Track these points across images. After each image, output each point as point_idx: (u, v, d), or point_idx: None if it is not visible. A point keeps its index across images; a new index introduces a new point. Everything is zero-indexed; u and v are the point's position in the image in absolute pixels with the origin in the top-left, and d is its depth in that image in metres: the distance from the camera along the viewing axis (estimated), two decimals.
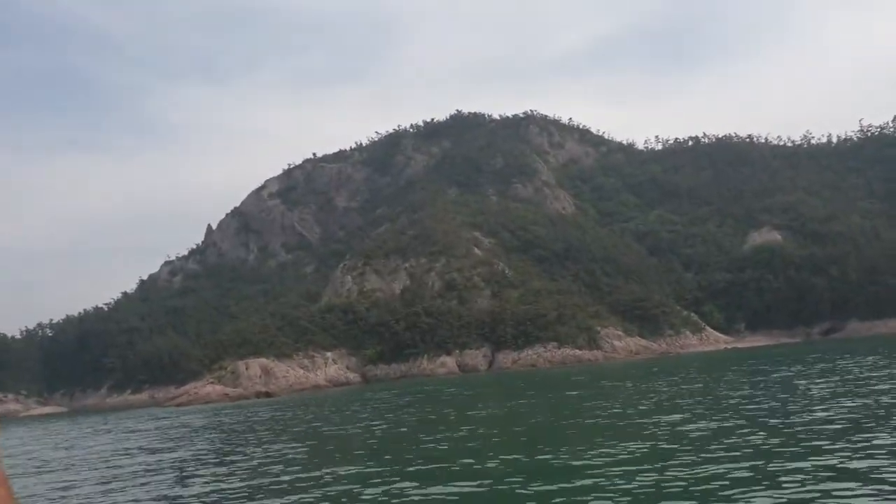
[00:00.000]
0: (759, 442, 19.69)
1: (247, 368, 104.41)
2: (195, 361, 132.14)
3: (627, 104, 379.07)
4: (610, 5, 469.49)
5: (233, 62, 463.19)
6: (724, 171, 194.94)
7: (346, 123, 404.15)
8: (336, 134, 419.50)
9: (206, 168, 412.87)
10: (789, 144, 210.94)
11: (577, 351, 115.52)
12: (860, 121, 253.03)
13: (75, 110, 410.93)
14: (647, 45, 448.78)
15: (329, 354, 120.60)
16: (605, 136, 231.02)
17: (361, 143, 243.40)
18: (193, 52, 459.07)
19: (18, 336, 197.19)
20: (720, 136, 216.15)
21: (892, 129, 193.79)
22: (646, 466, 17.34)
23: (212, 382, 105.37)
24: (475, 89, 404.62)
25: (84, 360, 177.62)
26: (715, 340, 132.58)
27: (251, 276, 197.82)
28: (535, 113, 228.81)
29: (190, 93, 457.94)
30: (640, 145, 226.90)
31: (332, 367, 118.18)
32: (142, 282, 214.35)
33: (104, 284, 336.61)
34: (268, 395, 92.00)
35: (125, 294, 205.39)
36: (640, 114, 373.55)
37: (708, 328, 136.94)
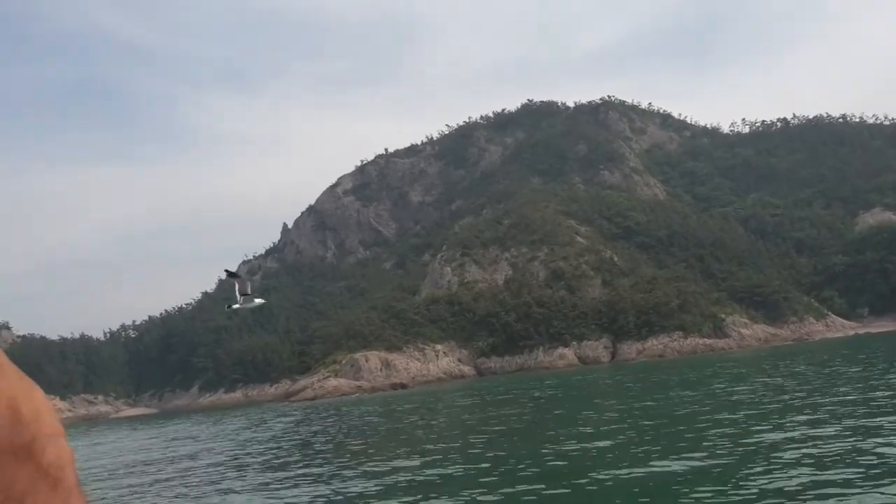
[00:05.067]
0: None
1: (367, 361, 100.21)
2: (297, 358, 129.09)
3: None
4: (631, 4, 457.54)
5: (260, 69, 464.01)
6: (819, 152, 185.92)
7: (371, 125, 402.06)
8: (364, 138, 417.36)
9: (238, 175, 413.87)
10: (887, 123, 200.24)
11: (706, 340, 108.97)
12: None
13: (105, 121, 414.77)
14: (671, 43, 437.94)
15: (439, 347, 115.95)
16: (688, 121, 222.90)
17: (433, 137, 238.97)
18: (221, 60, 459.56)
19: (103, 338, 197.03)
20: (811, 116, 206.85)
21: None
22: None
23: (328, 376, 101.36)
24: (501, 89, 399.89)
25: (170, 361, 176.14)
26: (841, 326, 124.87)
27: (332, 273, 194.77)
28: (612, 98, 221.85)
29: (218, 101, 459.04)
30: (724, 129, 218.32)
31: (444, 360, 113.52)
32: (220, 281, 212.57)
33: (122, 293, 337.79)
34: (403, 386, 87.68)
35: (206, 294, 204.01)
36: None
37: (831, 314, 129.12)
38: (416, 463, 22.53)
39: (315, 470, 24.14)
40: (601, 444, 22.27)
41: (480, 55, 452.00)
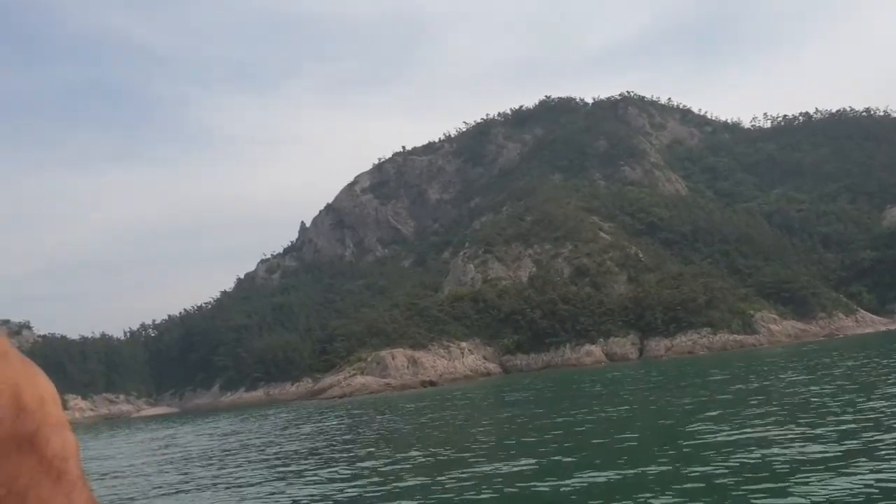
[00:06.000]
0: None
1: (393, 358, 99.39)
2: (320, 356, 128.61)
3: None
4: (632, 3, 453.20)
5: (271, 70, 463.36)
6: (844, 146, 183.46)
7: (376, 124, 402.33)
8: (366, 137, 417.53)
9: (247, 176, 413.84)
10: None
11: (735, 336, 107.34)
12: None
13: (118, 122, 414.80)
14: (677, 41, 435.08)
15: (464, 344, 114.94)
16: (709, 116, 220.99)
17: (450, 134, 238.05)
18: (231, 61, 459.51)
19: (122, 337, 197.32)
20: (834, 110, 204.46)
21: None
22: None
23: (354, 374, 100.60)
24: (510, 88, 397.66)
25: (191, 360, 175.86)
26: (871, 322, 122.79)
27: (350, 272, 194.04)
28: (631, 94, 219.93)
29: (229, 102, 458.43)
30: (745, 124, 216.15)
31: (469, 357, 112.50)
32: (239, 280, 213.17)
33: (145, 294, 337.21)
34: (433, 384, 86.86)
35: (225, 293, 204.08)
36: None
37: (860, 309, 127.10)
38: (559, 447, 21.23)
39: (429, 459, 23.02)
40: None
41: (484, 54, 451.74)
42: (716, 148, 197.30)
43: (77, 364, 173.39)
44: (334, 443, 31.41)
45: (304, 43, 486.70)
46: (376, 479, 19.69)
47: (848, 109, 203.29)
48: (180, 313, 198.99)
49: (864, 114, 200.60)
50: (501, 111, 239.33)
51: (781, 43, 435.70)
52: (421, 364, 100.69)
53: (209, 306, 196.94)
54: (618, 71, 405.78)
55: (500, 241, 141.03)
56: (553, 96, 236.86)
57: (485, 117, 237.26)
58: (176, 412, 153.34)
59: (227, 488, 21.35)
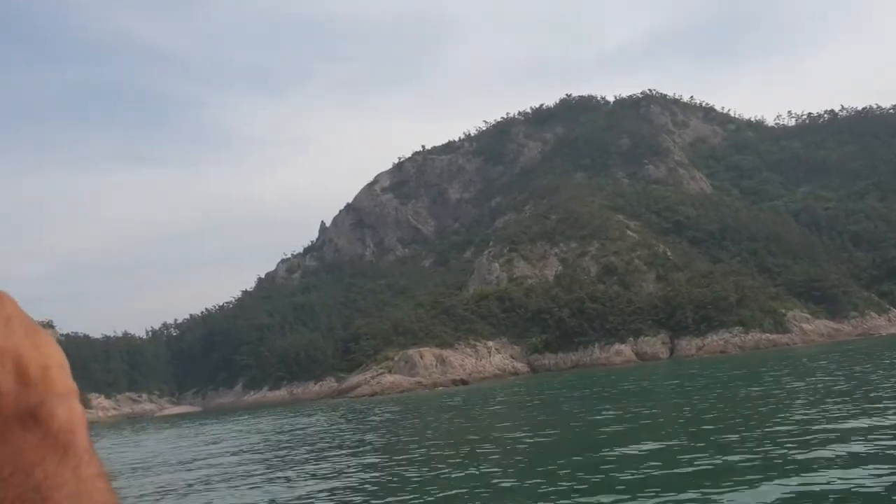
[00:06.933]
0: None
1: (421, 357, 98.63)
2: (344, 355, 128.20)
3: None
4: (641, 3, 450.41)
5: (286, 72, 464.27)
6: (871, 144, 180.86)
7: (387, 124, 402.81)
8: (396, 137, 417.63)
9: (265, 178, 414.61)
10: None
11: (767, 335, 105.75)
12: None
13: (132, 124, 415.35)
14: (688, 41, 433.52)
15: (491, 343, 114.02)
16: (732, 114, 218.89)
17: (470, 133, 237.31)
18: (246, 63, 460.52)
19: (144, 336, 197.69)
20: (860, 108, 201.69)
21: None
22: None
23: (381, 373, 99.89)
24: (529, 88, 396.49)
25: (213, 359, 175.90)
26: None
27: (371, 271, 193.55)
28: (653, 92, 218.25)
29: (242, 102, 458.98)
30: (769, 122, 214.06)
31: (496, 357, 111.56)
32: (260, 280, 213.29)
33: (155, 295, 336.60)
34: (464, 382, 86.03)
35: (246, 292, 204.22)
36: None
37: (893, 308, 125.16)
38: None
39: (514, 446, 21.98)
40: None
41: (501, 54, 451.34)
42: (740, 146, 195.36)
43: (100, 363, 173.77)
44: (425, 435, 30.31)
45: (318, 44, 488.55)
46: (471, 467, 18.77)
47: (874, 107, 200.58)
48: (202, 312, 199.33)
49: (892, 111, 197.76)
50: (521, 110, 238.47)
51: (801, 42, 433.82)
52: (449, 363, 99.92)
53: (230, 305, 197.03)
54: (634, 70, 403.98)
55: (524, 240, 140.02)
56: (574, 95, 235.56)
57: (505, 116, 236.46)
58: (199, 411, 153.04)
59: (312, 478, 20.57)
